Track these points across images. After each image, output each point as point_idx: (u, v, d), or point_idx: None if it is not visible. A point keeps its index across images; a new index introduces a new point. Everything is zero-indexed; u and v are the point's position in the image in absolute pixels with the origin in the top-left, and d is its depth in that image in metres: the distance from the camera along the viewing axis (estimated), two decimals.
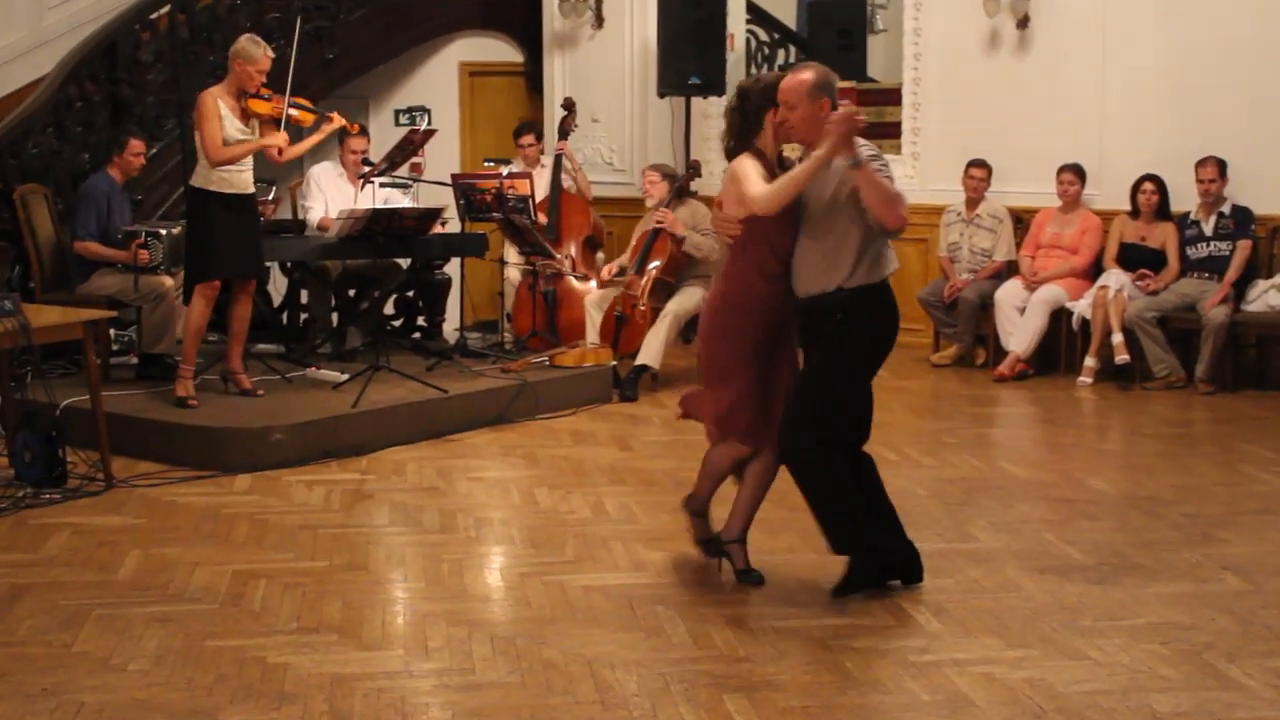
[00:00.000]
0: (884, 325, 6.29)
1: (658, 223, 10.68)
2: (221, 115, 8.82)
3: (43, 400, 8.54)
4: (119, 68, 11.34)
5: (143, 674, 5.43)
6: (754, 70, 14.19)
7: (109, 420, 8.32)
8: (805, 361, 6.36)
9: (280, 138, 9.01)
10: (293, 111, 9.11)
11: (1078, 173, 11.28)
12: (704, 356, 6.49)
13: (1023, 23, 11.75)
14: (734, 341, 6.25)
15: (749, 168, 6.08)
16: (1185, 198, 10.92)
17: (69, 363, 9.87)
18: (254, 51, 8.89)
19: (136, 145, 10.38)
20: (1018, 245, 11.60)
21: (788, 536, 7.11)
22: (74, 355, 9.53)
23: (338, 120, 9.51)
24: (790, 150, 6.39)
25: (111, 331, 10.27)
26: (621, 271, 10.98)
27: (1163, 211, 11.00)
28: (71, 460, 8.24)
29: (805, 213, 6.06)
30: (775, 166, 6.19)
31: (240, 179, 8.98)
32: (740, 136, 6.23)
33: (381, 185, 10.92)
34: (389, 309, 11.59)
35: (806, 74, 6.05)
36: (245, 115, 8.96)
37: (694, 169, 11.76)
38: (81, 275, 10.09)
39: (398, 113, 14.27)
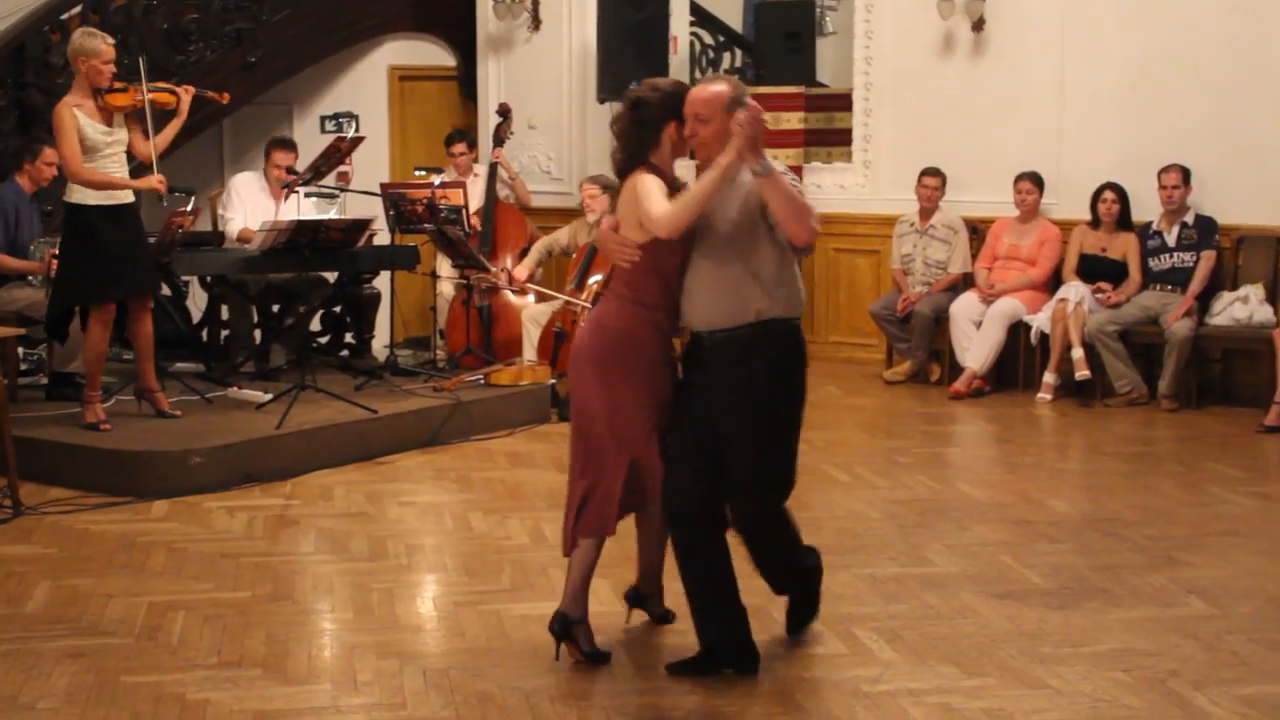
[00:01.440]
0: (803, 367, 5.82)
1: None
2: (80, 123, 8.68)
3: None
4: (27, 71, 11.27)
5: (53, 712, 5.39)
6: (699, 74, 14.19)
7: (16, 444, 8.24)
8: (698, 408, 5.71)
9: (155, 180, 8.91)
10: (152, 96, 8.99)
11: (1035, 181, 11.33)
12: (594, 419, 5.75)
13: (978, 25, 11.80)
14: (639, 393, 5.71)
15: (650, 185, 5.64)
16: (1147, 207, 11.00)
17: None
18: (93, 44, 8.75)
19: (51, 155, 10.29)
20: (974, 257, 11.66)
21: (736, 559, 7.10)
22: None
23: (187, 93, 9.26)
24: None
25: (19, 350, 10.19)
26: (546, 258, 11.06)
27: (1124, 221, 11.07)
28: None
29: (704, 234, 5.61)
30: (673, 185, 5.74)
31: (118, 191, 8.85)
32: (635, 151, 5.83)
33: (306, 195, 10.89)
34: (315, 325, 11.56)
35: (721, 86, 5.69)
36: (106, 113, 8.83)
37: None
38: None
39: (324, 119, 14.23)
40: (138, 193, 9.00)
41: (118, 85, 8.88)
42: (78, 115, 8.67)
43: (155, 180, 8.92)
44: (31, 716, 5.36)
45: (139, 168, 9.24)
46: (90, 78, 8.78)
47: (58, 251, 9.71)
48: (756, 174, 5.50)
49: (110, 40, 8.89)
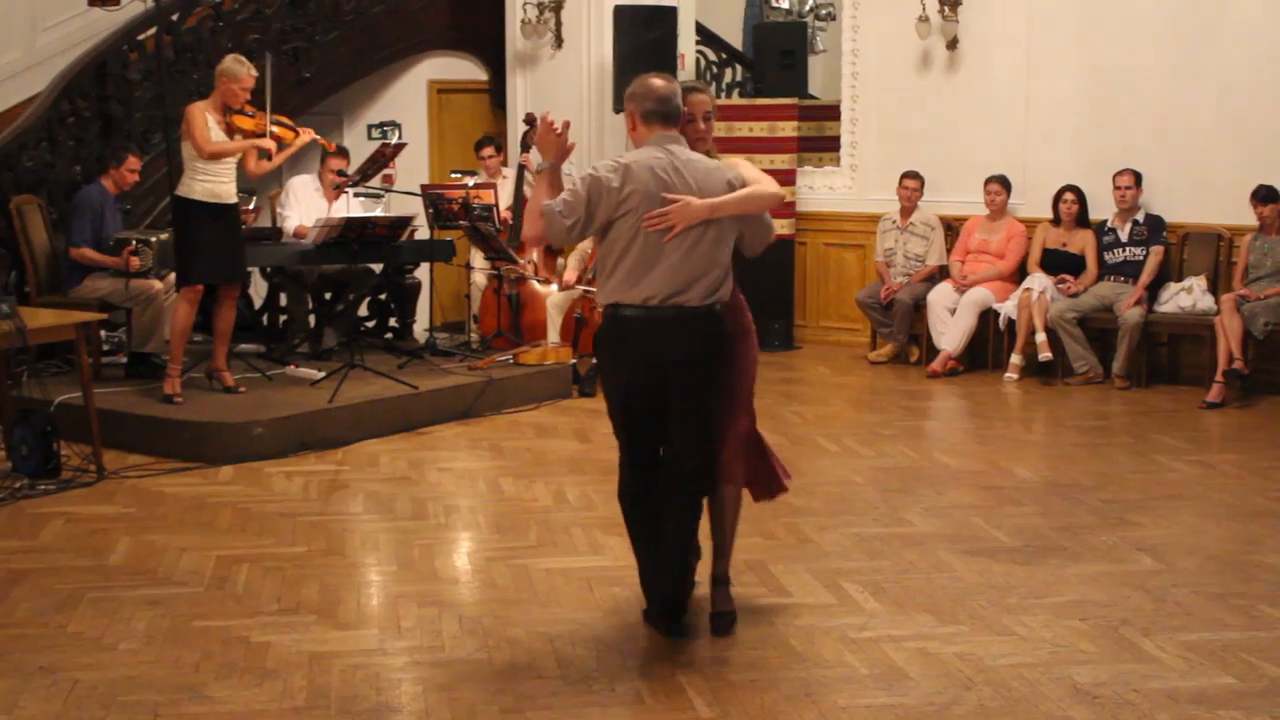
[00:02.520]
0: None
1: None
2: (208, 123, 8.80)
3: (38, 397, 8.53)
4: (108, 85, 11.29)
5: (133, 652, 5.42)
6: None
7: (100, 415, 8.28)
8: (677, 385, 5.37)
9: (268, 142, 8.99)
10: (274, 129, 9.10)
11: (1003, 183, 11.35)
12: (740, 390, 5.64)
13: (952, 44, 11.80)
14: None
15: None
16: (1103, 206, 11.00)
17: (63, 362, 9.84)
18: (238, 70, 8.89)
19: (134, 162, 10.39)
20: (948, 251, 11.66)
21: (754, 507, 7.13)
22: (67, 355, 9.50)
23: (306, 134, 9.44)
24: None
25: (102, 332, 10.23)
26: (582, 275, 11.00)
27: (1082, 219, 11.08)
28: (65, 453, 8.21)
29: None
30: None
31: (224, 189, 8.95)
32: None
33: (355, 195, 10.93)
34: (363, 311, 11.57)
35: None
36: (230, 130, 8.93)
37: None
38: (75, 279, 10.04)
39: (370, 127, 14.23)
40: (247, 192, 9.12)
41: (248, 110, 8.96)
42: (208, 119, 8.79)
43: (266, 142, 9.01)
44: (115, 656, 5.40)
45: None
46: (225, 96, 8.88)
47: (135, 247, 9.77)
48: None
49: (254, 71, 8.97)
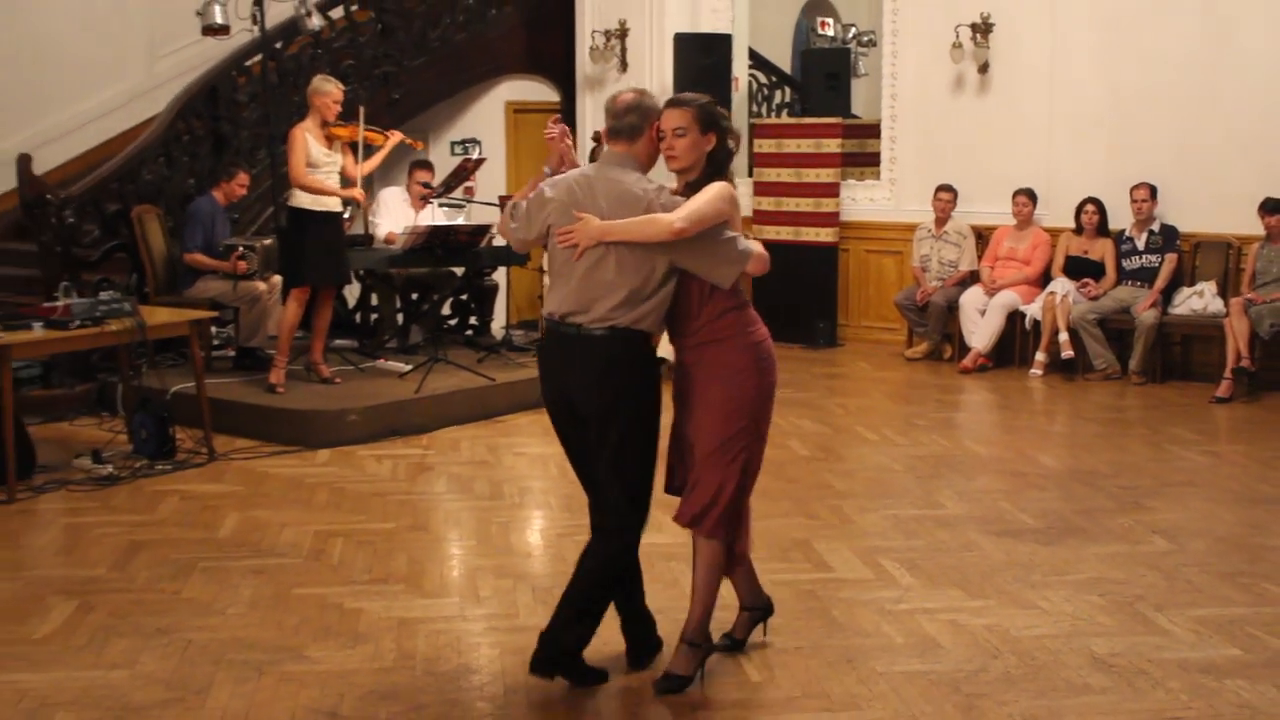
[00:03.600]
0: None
1: None
2: (308, 144, 8.88)
3: (156, 386, 8.62)
4: (219, 107, 11.38)
5: (240, 616, 5.48)
6: (756, 108, 14.17)
7: (211, 403, 8.37)
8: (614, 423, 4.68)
9: (357, 193, 9.15)
10: (366, 135, 9.29)
11: (1030, 195, 11.27)
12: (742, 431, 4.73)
13: (983, 69, 11.73)
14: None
15: None
16: (1121, 217, 10.91)
17: (178, 355, 9.94)
18: (327, 87, 8.99)
19: (243, 177, 10.52)
20: (979, 257, 11.59)
21: (784, 503, 7.13)
22: (182, 349, 9.59)
23: (395, 137, 9.60)
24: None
25: (213, 329, 10.34)
26: None
27: (1102, 229, 10.99)
28: (180, 437, 8.30)
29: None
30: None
31: (329, 200, 9.02)
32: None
33: (440, 205, 10.98)
34: (446, 310, 11.61)
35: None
36: (329, 140, 9.02)
37: None
38: (188, 281, 10.14)
39: (453, 144, 14.28)
40: (344, 202, 9.19)
41: (341, 122, 9.07)
42: (307, 138, 8.85)
43: (356, 192, 9.18)
44: (224, 619, 5.46)
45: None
46: (321, 112, 8.97)
47: (241, 252, 9.85)
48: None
49: (342, 87, 9.12)
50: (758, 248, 4.73)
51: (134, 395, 8.54)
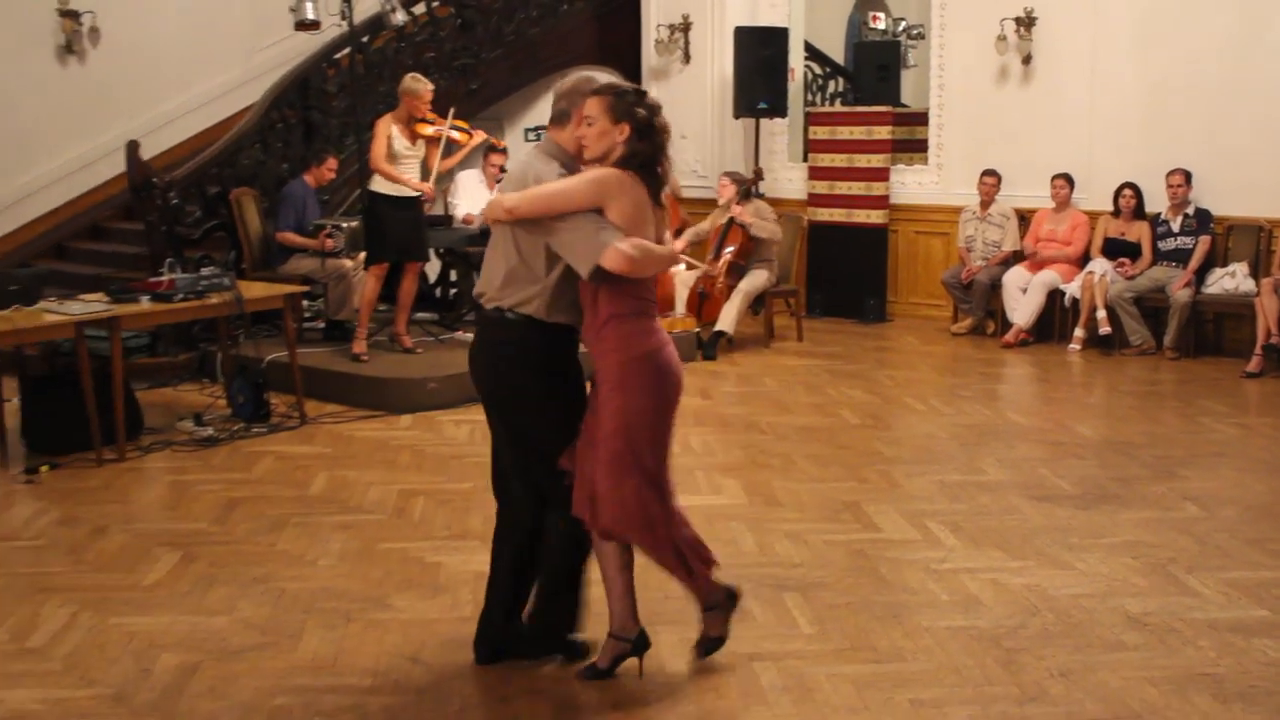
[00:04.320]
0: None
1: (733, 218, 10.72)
2: (392, 136, 8.91)
3: (252, 355, 8.70)
4: (310, 97, 11.44)
5: (329, 568, 5.54)
6: (811, 98, 14.09)
7: (302, 371, 8.44)
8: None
9: (427, 187, 9.15)
10: (453, 133, 9.25)
11: (1068, 180, 11.15)
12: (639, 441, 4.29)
13: (1026, 60, 11.60)
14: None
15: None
16: (1157, 201, 10.76)
17: (272, 327, 9.99)
18: (418, 88, 8.99)
19: (333, 162, 10.60)
20: (1021, 238, 11.49)
21: (836, 467, 7.11)
22: (276, 321, 9.66)
23: (479, 136, 9.63)
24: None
25: (304, 303, 10.40)
26: (695, 240, 10.97)
27: (1139, 212, 10.85)
28: (274, 402, 8.38)
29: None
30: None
31: (406, 184, 9.06)
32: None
33: None
34: None
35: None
36: (413, 137, 9.04)
37: (759, 175, 11.74)
38: (281, 259, 10.23)
39: (526, 130, 14.26)
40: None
41: (429, 118, 9.08)
42: (392, 130, 8.89)
43: (426, 188, 9.16)
44: (314, 570, 5.52)
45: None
46: (410, 109, 8.99)
47: (329, 231, 9.93)
48: None
49: (430, 86, 9.09)
50: (631, 246, 4.09)
51: (232, 363, 8.63)
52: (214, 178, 10.65)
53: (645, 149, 4.19)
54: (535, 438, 4.39)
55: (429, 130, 9.10)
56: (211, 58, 13.12)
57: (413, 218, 9.20)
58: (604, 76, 4.40)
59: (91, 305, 7.47)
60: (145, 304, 7.63)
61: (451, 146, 9.41)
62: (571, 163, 4.34)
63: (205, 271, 8.06)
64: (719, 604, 4.58)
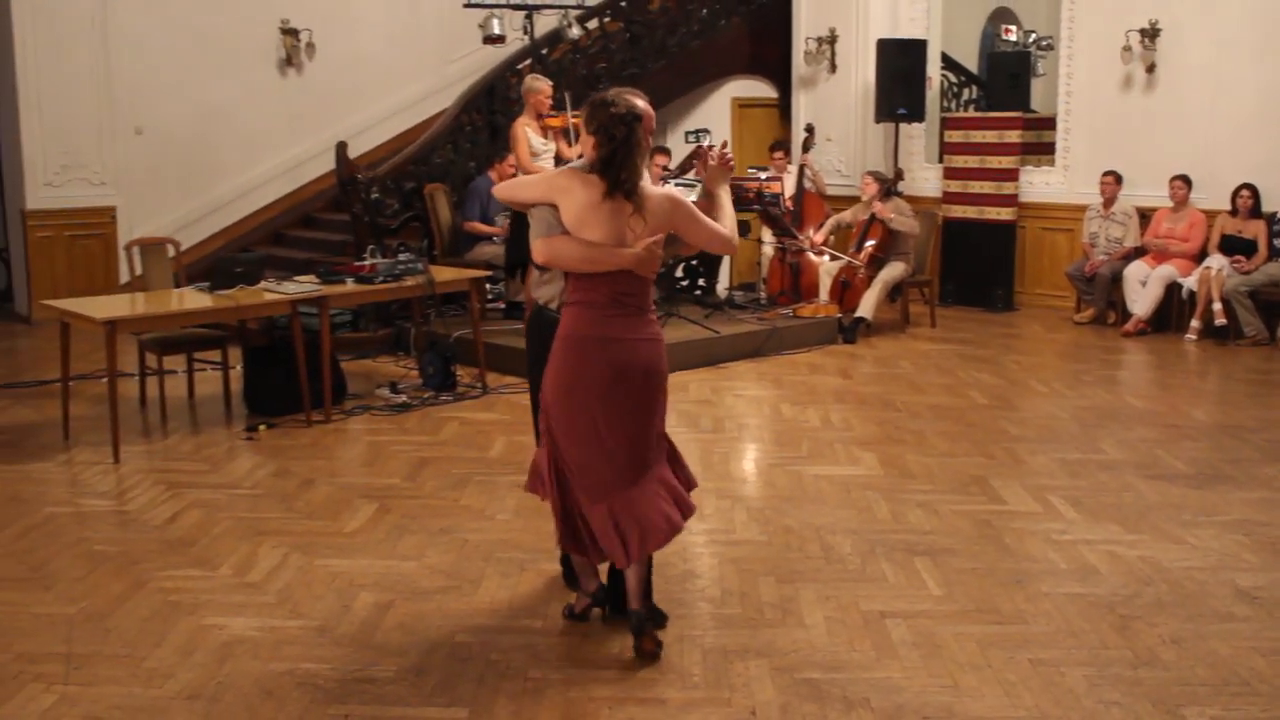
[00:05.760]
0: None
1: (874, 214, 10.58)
2: (528, 136, 8.92)
3: (442, 332, 8.84)
4: (496, 102, 11.54)
5: (506, 522, 5.61)
6: (946, 104, 13.81)
7: (485, 347, 8.55)
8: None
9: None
10: (575, 120, 9.24)
11: (1185, 180, 10.73)
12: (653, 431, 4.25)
13: (1150, 69, 11.20)
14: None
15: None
16: (1274, 201, 10.33)
17: (459, 307, 10.16)
18: (538, 85, 9.03)
19: (512, 159, 10.63)
20: (1141, 234, 11.13)
21: (965, 444, 6.98)
22: (462, 302, 9.81)
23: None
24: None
25: (487, 285, 10.54)
26: (836, 229, 10.83)
27: (1255, 211, 10.42)
28: (460, 373, 8.51)
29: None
30: None
31: None
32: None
33: (676, 185, 10.98)
34: (678, 273, 11.64)
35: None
36: (544, 131, 9.06)
37: (900, 175, 11.55)
38: (468, 246, 10.36)
39: (686, 133, 14.17)
40: None
41: (553, 112, 9.10)
42: (526, 130, 8.94)
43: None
44: (493, 523, 5.59)
45: None
46: (535, 107, 9.02)
47: (510, 221, 10.02)
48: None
49: (550, 83, 9.11)
50: (544, 242, 4.13)
51: (424, 339, 8.78)
52: (410, 174, 10.83)
53: (604, 155, 4.08)
54: (535, 398, 4.44)
55: (557, 122, 9.09)
56: (410, 69, 13.36)
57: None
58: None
59: (304, 286, 7.66)
60: (350, 285, 7.79)
61: (574, 134, 9.43)
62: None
63: (402, 257, 8.20)
64: (588, 595, 4.49)
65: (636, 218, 4.11)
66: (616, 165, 4.06)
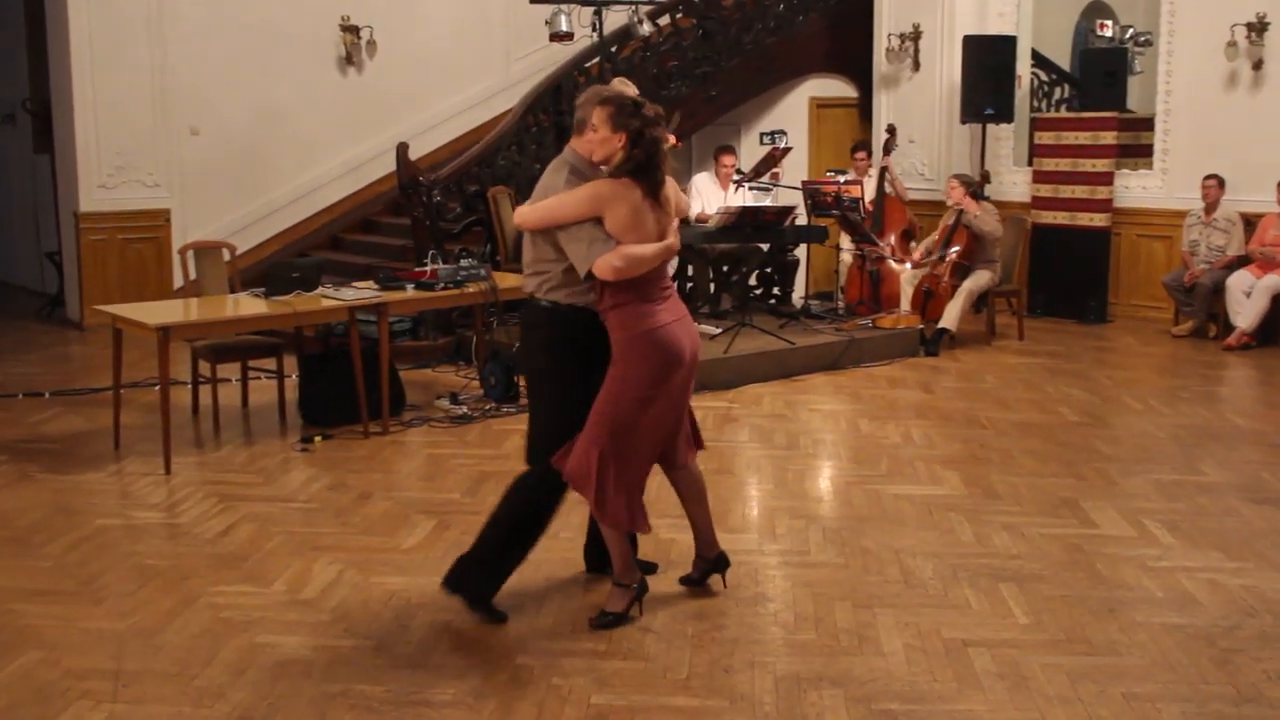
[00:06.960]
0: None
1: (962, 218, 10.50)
2: None
3: (504, 341, 8.88)
4: (563, 102, 11.58)
5: (570, 540, 5.57)
6: (1037, 104, 13.67)
7: None
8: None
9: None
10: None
11: None
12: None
13: (1257, 65, 11.02)
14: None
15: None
16: None
17: None
18: (626, 90, 9.00)
19: None
20: (1246, 242, 10.94)
21: (1054, 464, 6.88)
22: None
23: (672, 140, 9.60)
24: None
25: None
26: (928, 253, 10.74)
27: None
28: (523, 385, 8.52)
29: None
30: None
31: None
32: None
33: (750, 189, 10.98)
34: (752, 281, 11.60)
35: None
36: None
37: (986, 178, 11.45)
38: None
39: (761, 134, 14.16)
40: None
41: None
42: None
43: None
44: (555, 542, 5.49)
45: None
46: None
47: None
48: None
49: (634, 88, 9.10)
50: (618, 258, 4.34)
51: (486, 348, 8.83)
52: (473, 177, 10.90)
53: (639, 155, 4.39)
54: (542, 411, 4.71)
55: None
56: (474, 67, 13.47)
57: None
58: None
59: (362, 292, 7.73)
60: (410, 291, 7.85)
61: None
62: (587, 168, 4.55)
63: (464, 263, 8.25)
64: (628, 585, 4.73)
65: (662, 210, 4.51)
66: (655, 166, 4.43)
